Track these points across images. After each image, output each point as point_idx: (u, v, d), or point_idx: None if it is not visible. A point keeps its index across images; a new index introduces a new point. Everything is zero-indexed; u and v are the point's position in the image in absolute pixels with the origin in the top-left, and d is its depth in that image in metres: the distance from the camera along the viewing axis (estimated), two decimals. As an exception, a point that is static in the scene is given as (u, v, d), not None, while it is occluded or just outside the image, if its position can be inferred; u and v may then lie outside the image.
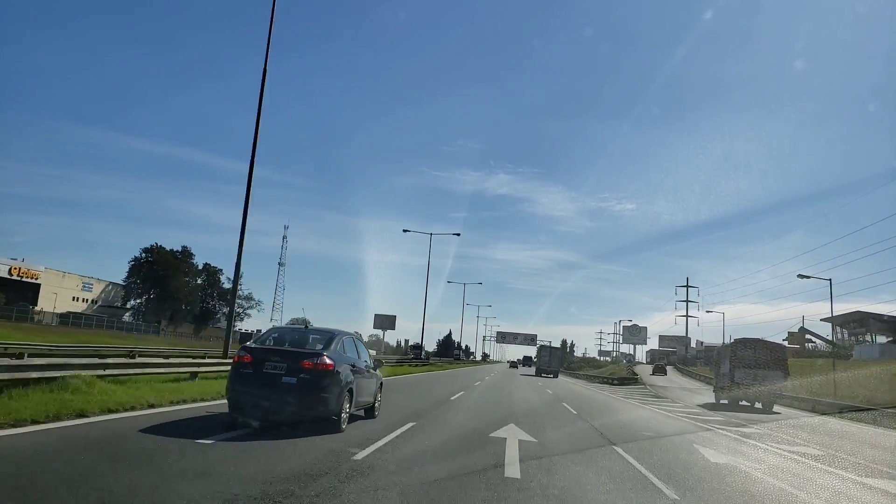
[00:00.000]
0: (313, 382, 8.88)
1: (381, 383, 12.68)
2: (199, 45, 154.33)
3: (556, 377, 61.57)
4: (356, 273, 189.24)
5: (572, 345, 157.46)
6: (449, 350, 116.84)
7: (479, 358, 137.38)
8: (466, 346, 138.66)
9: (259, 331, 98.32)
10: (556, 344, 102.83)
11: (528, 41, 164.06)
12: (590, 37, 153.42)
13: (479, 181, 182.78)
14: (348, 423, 9.80)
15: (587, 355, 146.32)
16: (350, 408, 9.90)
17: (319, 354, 9.25)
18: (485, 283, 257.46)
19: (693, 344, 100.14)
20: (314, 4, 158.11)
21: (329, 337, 10.01)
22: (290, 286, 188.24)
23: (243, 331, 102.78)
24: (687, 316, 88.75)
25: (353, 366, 10.25)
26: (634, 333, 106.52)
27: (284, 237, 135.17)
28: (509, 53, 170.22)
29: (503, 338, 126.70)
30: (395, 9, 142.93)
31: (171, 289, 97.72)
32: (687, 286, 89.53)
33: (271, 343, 9.93)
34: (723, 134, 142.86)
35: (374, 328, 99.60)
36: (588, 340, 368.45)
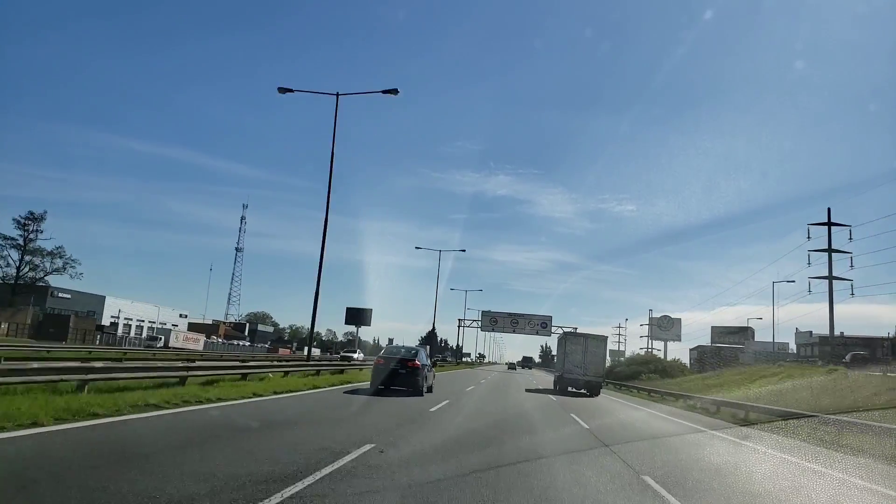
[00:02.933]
0: (413, 372, 19.26)
1: (434, 375, 22.95)
2: (199, 45, 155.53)
3: (598, 395, 31.67)
4: (352, 273, 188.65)
5: None
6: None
7: (473, 358, 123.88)
8: (460, 345, 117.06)
9: (106, 321, 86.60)
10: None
11: (528, 42, 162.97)
12: (590, 37, 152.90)
13: (479, 182, 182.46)
14: (425, 393, 19.94)
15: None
16: (425, 386, 20.06)
17: (414, 359, 19.49)
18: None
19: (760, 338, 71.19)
20: (314, 4, 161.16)
21: (416, 350, 20.59)
22: (286, 285, 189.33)
23: (75, 313, 74.75)
24: (830, 278, 44.48)
25: (425, 365, 20.44)
26: (665, 327, 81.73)
27: (243, 218, 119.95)
28: (509, 54, 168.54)
29: (493, 323, 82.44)
30: (396, 9, 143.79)
31: None
32: (829, 223, 45.26)
33: (390, 354, 20.19)
34: (723, 134, 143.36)
35: (346, 323, 73.01)
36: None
